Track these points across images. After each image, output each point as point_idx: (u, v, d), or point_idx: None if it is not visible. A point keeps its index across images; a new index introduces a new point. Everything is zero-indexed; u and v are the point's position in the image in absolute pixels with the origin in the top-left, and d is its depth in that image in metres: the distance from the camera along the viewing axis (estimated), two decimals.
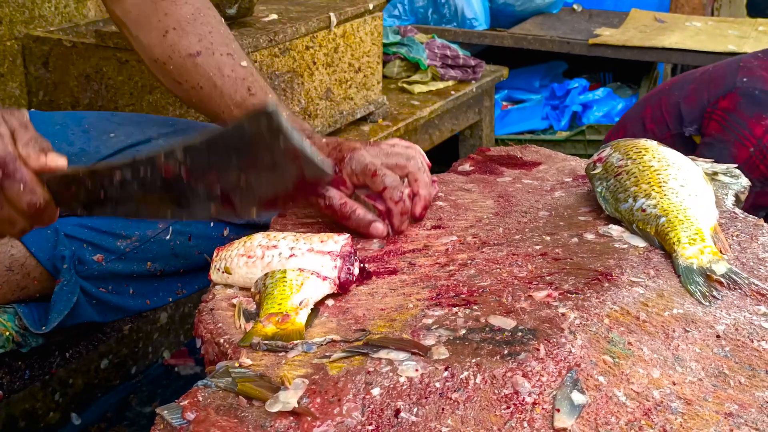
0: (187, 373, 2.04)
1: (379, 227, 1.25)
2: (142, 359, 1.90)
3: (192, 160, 0.98)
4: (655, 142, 1.34)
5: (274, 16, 2.29)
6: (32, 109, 2.29)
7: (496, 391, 0.88)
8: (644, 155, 1.28)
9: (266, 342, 0.97)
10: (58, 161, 1.03)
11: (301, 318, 1.01)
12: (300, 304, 1.03)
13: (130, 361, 1.85)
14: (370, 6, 2.53)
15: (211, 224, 1.49)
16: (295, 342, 0.97)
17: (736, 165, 1.44)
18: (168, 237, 1.46)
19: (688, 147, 2.41)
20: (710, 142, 2.28)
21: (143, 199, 1.03)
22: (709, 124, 2.33)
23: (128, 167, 1.00)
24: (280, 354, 0.96)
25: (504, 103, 4.17)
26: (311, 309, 1.04)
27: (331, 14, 2.35)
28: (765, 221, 1.26)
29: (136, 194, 1.02)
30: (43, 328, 1.41)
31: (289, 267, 1.08)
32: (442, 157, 3.46)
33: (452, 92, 3.09)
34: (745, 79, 2.31)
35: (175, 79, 1.46)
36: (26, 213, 1.02)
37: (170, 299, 1.53)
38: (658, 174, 1.24)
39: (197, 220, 1.04)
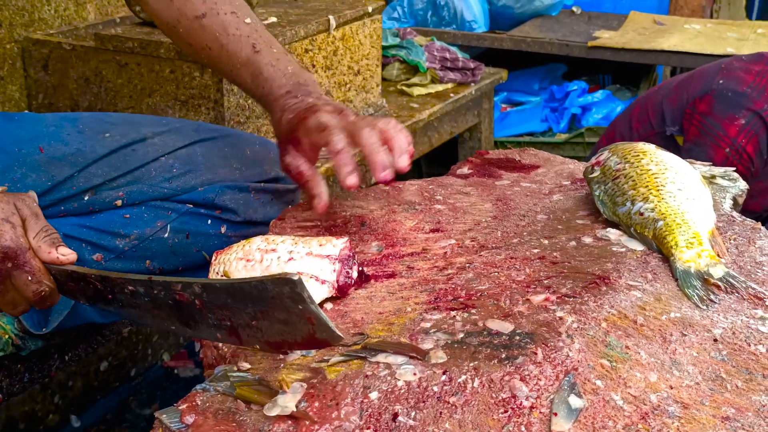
0: (187, 375, 2.04)
1: (319, 204, 1.28)
2: (142, 361, 1.90)
3: (208, 296, 1.01)
4: (653, 146, 1.34)
5: (273, 19, 2.30)
6: (27, 111, 2.30)
7: (493, 395, 0.88)
8: (642, 159, 1.29)
9: None
10: (68, 256, 1.07)
11: None
12: None
13: (130, 364, 1.85)
14: (369, 9, 2.54)
15: (209, 221, 1.50)
16: None
17: (734, 168, 1.44)
18: (166, 235, 1.46)
19: (671, 147, 2.42)
20: (690, 147, 2.30)
21: (151, 312, 1.06)
22: (689, 129, 2.35)
23: (142, 284, 1.03)
24: (278, 358, 0.97)
25: (503, 106, 4.17)
26: None
27: (330, 17, 2.35)
28: (763, 225, 1.27)
29: (145, 305, 1.05)
30: (44, 329, 1.41)
31: (287, 270, 1.08)
32: (441, 160, 3.46)
33: (451, 95, 3.09)
34: (721, 81, 2.33)
35: (186, 41, 1.48)
36: (30, 300, 1.07)
37: None
38: (655, 177, 1.25)
39: (201, 338, 1.09)
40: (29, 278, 1.05)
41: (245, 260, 1.12)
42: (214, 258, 1.17)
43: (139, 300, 1.05)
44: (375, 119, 1.27)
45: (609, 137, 2.66)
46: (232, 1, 1.47)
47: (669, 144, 2.42)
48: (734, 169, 1.44)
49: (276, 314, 0.97)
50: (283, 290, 0.95)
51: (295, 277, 0.94)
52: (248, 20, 1.46)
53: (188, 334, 1.13)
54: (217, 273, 1.14)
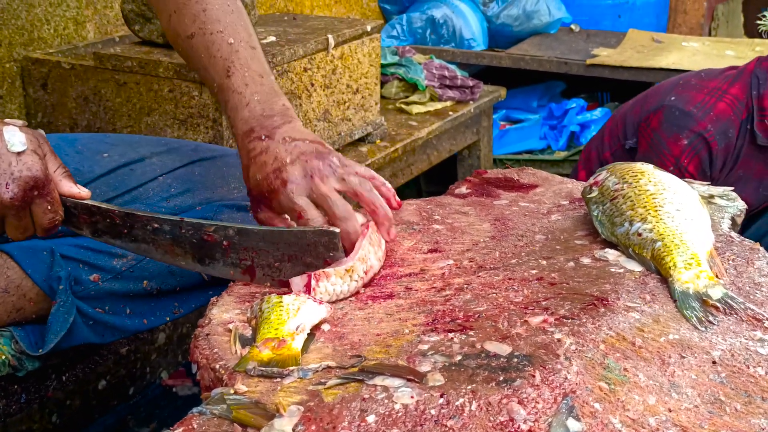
0: (185, 394, 2.03)
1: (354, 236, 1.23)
2: (140, 380, 1.89)
3: (241, 239, 1.13)
4: (651, 166, 1.34)
5: (272, 39, 2.30)
6: None
7: (491, 418, 0.88)
8: (640, 179, 1.29)
9: (262, 368, 0.97)
10: (82, 193, 1.17)
11: (298, 343, 1.01)
12: (296, 329, 1.03)
13: (128, 382, 1.85)
14: (368, 28, 2.54)
15: None
16: (291, 368, 0.97)
17: (732, 188, 1.44)
18: None
19: (631, 160, 2.42)
20: (641, 161, 2.31)
21: (164, 247, 1.15)
22: (641, 142, 2.37)
23: (173, 222, 1.14)
24: (275, 380, 0.96)
25: (502, 123, 4.18)
26: (308, 334, 1.04)
27: (329, 36, 2.36)
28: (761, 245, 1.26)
29: (161, 242, 1.15)
30: (40, 350, 1.41)
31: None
32: (440, 178, 3.47)
33: (450, 112, 3.10)
34: (673, 98, 2.33)
35: (185, 58, 1.47)
36: (44, 227, 1.15)
37: (167, 318, 1.53)
38: (654, 198, 1.25)
39: (207, 274, 1.15)
40: (48, 207, 1.13)
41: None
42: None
43: (159, 237, 1.14)
44: (351, 172, 1.22)
45: (586, 151, 2.67)
46: (220, 18, 1.40)
47: (630, 158, 2.42)
48: (732, 188, 1.44)
49: (304, 258, 1.12)
50: (321, 240, 1.10)
51: (336, 230, 1.12)
52: (231, 40, 1.37)
53: (198, 269, 1.19)
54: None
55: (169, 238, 1.13)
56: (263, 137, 1.25)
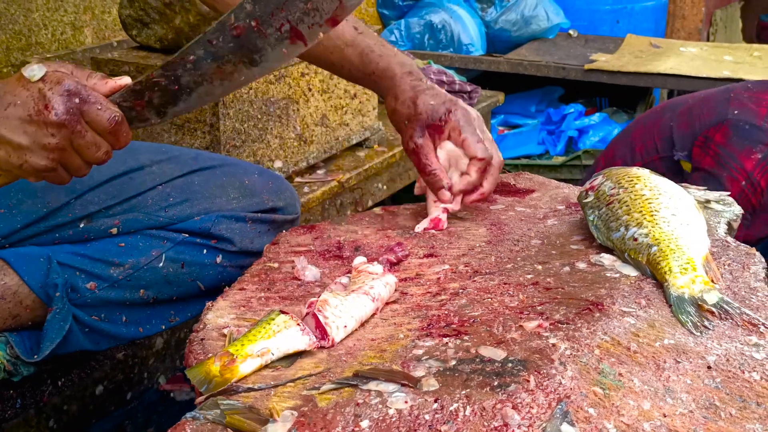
0: (183, 399, 2.03)
1: (446, 195, 1.39)
2: (138, 385, 1.89)
3: (260, 5, 1.09)
4: (647, 171, 1.34)
5: None
6: None
7: (485, 423, 0.87)
8: (636, 184, 1.29)
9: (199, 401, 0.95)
10: (123, 80, 1.16)
11: (246, 367, 0.98)
12: (257, 352, 1.00)
13: (126, 387, 1.84)
14: None
15: (205, 251, 1.49)
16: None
17: (728, 193, 1.44)
18: (161, 264, 1.46)
19: (676, 171, 2.41)
20: (705, 177, 2.29)
21: (217, 73, 1.14)
22: (704, 158, 2.34)
23: (199, 43, 1.11)
24: (270, 383, 0.96)
25: (500, 128, 4.18)
26: (285, 356, 1.02)
27: None
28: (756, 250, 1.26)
29: (210, 69, 1.14)
30: (35, 356, 1.40)
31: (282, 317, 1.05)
32: None
33: None
34: (736, 111, 2.32)
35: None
36: (108, 130, 1.14)
37: (163, 327, 1.53)
38: (649, 203, 1.25)
39: (268, 72, 1.21)
40: (99, 107, 1.13)
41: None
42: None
43: (203, 66, 1.13)
44: (494, 156, 1.40)
45: (608, 157, 2.65)
46: None
47: (673, 168, 2.41)
48: (728, 193, 1.44)
49: None
50: None
51: None
52: None
53: (257, 73, 1.17)
54: None
55: (210, 61, 1.12)
56: (422, 78, 1.44)
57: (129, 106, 1.16)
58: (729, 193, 1.44)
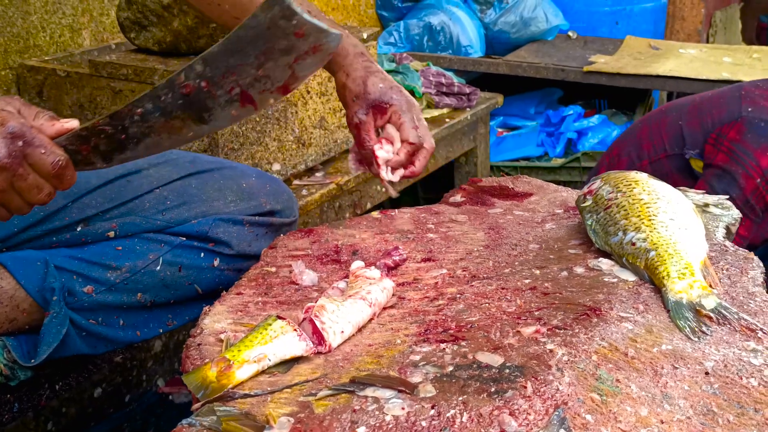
0: (182, 402, 2.02)
1: (381, 173, 1.45)
2: (136, 387, 1.88)
3: (211, 68, 1.07)
4: (645, 175, 1.34)
5: None
6: None
7: (482, 430, 0.87)
8: (634, 188, 1.29)
9: (196, 408, 0.95)
10: (71, 122, 1.14)
11: (243, 373, 0.98)
12: (254, 357, 1.00)
13: (124, 390, 1.84)
14: (364, 35, 2.54)
15: (202, 254, 1.49)
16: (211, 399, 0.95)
17: (727, 197, 1.44)
18: (158, 268, 1.45)
19: (684, 170, 2.40)
20: (719, 174, 2.28)
21: (165, 127, 1.12)
22: (717, 155, 2.33)
23: (148, 97, 1.09)
24: (266, 389, 0.96)
25: (499, 130, 4.17)
26: (282, 362, 1.02)
27: None
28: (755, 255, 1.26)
29: (158, 123, 1.11)
30: (33, 360, 1.40)
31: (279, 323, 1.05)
32: (437, 185, 3.46)
33: (447, 120, 3.09)
34: (750, 109, 2.31)
35: (233, 16, 1.51)
36: (51, 174, 1.11)
37: (160, 330, 1.52)
38: (647, 207, 1.24)
39: (219, 130, 1.26)
40: (43, 152, 1.10)
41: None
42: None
43: (151, 120, 1.11)
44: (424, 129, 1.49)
45: (612, 156, 2.64)
46: None
47: (682, 167, 2.41)
48: (727, 197, 1.43)
49: (276, 45, 1.05)
50: (274, 12, 1.02)
51: None
52: None
53: (206, 130, 1.15)
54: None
55: (159, 116, 1.10)
56: (372, 62, 1.51)
57: (75, 150, 1.14)
58: (740, 189, 1.42)
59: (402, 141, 1.46)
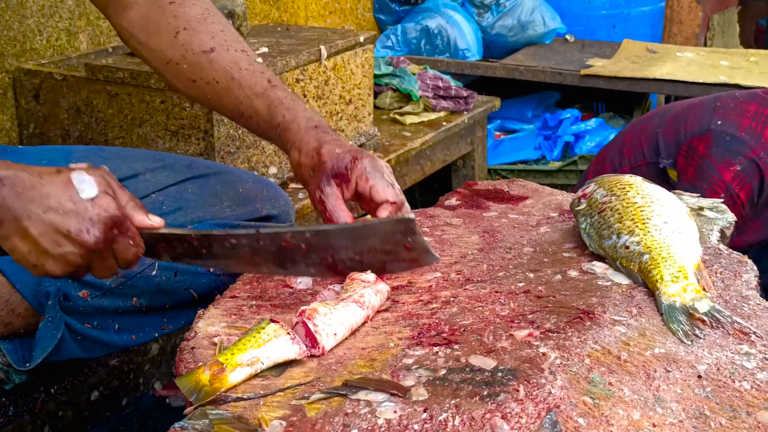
0: (178, 405, 2.02)
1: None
2: (133, 391, 1.88)
3: (319, 241, 1.15)
4: (639, 178, 1.34)
5: (265, 50, 2.30)
6: (21, 145, 2.30)
7: None
8: (628, 191, 1.29)
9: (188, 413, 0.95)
10: (157, 221, 1.16)
11: (236, 377, 0.98)
12: (247, 361, 1.00)
13: (121, 393, 1.84)
14: (361, 39, 2.54)
15: None
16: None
17: (721, 200, 1.44)
18: (154, 273, 1.45)
19: (662, 178, 2.40)
20: (687, 188, 2.28)
21: (246, 260, 1.17)
22: (687, 168, 2.33)
23: (248, 237, 1.15)
24: (259, 393, 0.96)
25: (497, 133, 4.17)
26: (276, 365, 1.02)
27: (322, 47, 2.36)
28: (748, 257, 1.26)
29: (242, 255, 1.16)
30: (27, 364, 1.40)
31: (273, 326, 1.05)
32: (434, 188, 3.46)
33: (444, 123, 3.10)
34: (719, 122, 2.30)
35: (189, 78, 1.45)
36: (128, 262, 1.15)
37: (156, 335, 1.52)
38: (641, 211, 1.24)
39: (290, 276, 1.26)
40: (131, 243, 1.13)
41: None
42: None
43: (239, 252, 1.16)
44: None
45: (599, 161, 2.65)
46: (240, 41, 1.47)
47: (659, 175, 2.41)
48: (722, 200, 1.44)
49: (384, 247, 1.15)
50: (400, 228, 1.14)
51: (413, 216, 1.16)
52: (259, 60, 1.47)
53: (279, 273, 1.22)
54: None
55: (248, 251, 1.15)
56: (329, 132, 1.37)
57: (152, 244, 1.16)
58: (722, 200, 1.44)
59: (380, 203, 1.29)
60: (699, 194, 1.94)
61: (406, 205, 1.32)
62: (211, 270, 1.47)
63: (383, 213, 1.29)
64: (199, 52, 1.43)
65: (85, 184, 1.11)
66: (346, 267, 1.18)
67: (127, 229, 1.12)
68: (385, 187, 1.30)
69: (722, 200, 1.38)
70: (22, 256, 1.10)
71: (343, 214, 1.29)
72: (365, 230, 1.16)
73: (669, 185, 2.28)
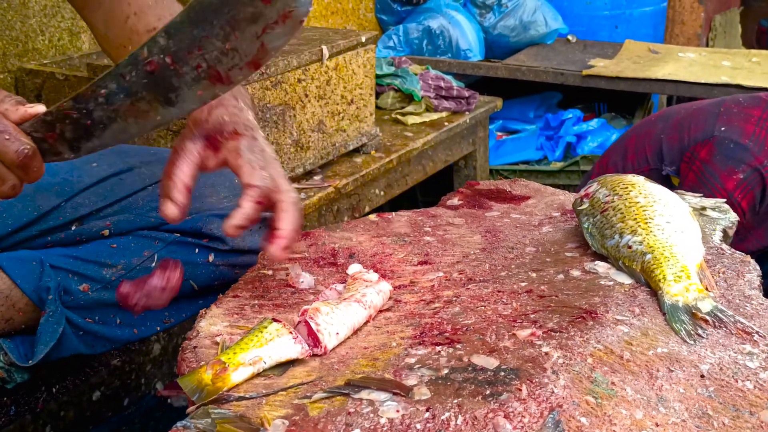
0: (180, 405, 2.02)
1: (171, 209, 1.22)
2: (135, 391, 1.88)
3: (175, 41, 1.01)
4: (642, 178, 1.34)
5: None
6: None
7: None
8: (631, 191, 1.29)
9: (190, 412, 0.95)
10: (36, 108, 1.05)
11: (238, 376, 0.98)
12: (249, 360, 1.00)
13: (123, 393, 1.84)
14: (363, 39, 2.54)
15: (196, 250, 1.49)
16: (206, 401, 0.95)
17: (724, 200, 1.44)
18: (154, 264, 1.45)
19: (665, 184, 2.39)
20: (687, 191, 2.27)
21: (131, 110, 1.05)
22: (688, 174, 2.32)
23: (111, 76, 1.03)
24: (261, 384, 0.96)
25: (499, 134, 4.17)
26: (278, 365, 1.02)
27: (324, 47, 2.36)
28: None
29: (123, 106, 1.05)
30: (30, 361, 1.40)
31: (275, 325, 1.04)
32: (436, 188, 3.46)
33: (446, 123, 3.10)
34: (723, 128, 2.28)
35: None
36: (16, 163, 1.03)
37: (158, 328, 1.52)
38: (644, 210, 1.24)
39: (187, 113, 1.10)
40: (7, 137, 1.02)
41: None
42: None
43: (116, 102, 1.04)
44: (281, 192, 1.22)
45: (602, 164, 2.64)
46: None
47: (663, 182, 2.40)
48: (725, 200, 1.43)
49: (242, 14, 0.98)
50: None
51: None
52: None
53: (174, 114, 1.08)
54: None
55: (123, 96, 1.04)
56: (243, 104, 1.27)
57: (40, 138, 1.06)
58: (725, 200, 1.43)
59: (244, 186, 1.20)
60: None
61: (290, 193, 1.21)
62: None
63: (244, 201, 1.19)
64: (143, 32, 1.38)
65: None
66: (227, 69, 1.03)
67: None
68: (255, 169, 1.19)
69: (725, 201, 1.37)
70: None
71: (183, 174, 1.21)
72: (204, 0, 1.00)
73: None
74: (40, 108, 1.06)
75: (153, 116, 1.07)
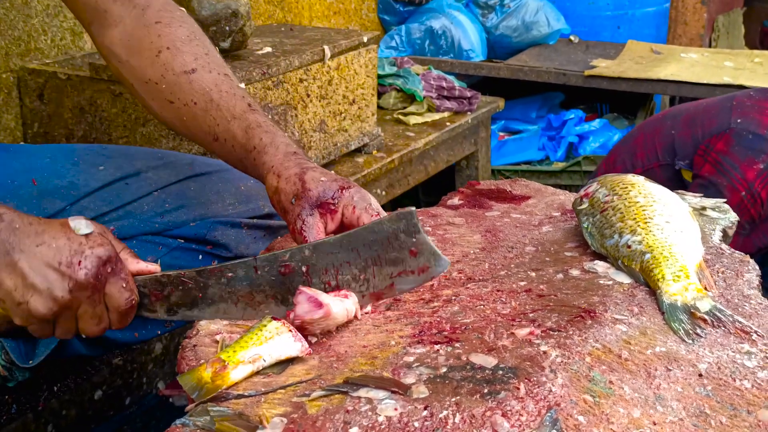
0: (182, 404, 2.02)
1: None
2: (137, 390, 1.89)
3: (319, 256, 1.10)
4: (641, 178, 1.34)
5: (268, 50, 2.31)
6: (23, 142, 2.30)
7: (474, 431, 0.87)
8: (630, 191, 1.29)
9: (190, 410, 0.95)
10: (151, 266, 1.14)
11: (237, 374, 0.99)
12: (249, 358, 1.00)
13: (124, 392, 1.84)
14: (365, 39, 2.55)
15: (200, 257, 1.49)
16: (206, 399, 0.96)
17: (724, 200, 1.44)
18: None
19: (676, 180, 2.40)
20: (704, 185, 2.27)
21: (245, 297, 1.12)
22: (703, 166, 2.31)
23: (245, 265, 1.10)
24: (260, 390, 0.96)
25: (501, 134, 4.18)
26: (277, 363, 1.02)
27: (325, 47, 2.36)
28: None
29: (241, 292, 1.12)
30: (30, 362, 1.40)
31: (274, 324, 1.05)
32: (438, 188, 3.47)
33: (448, 123, 3.10)
34: (739, 120, 2.29)
35: (167, 98, 1.40)
36: (120, 310, 1.11)
37: (159, 332, 1.52)
38: (643, 210, 1.25)
39: (284, 313, 1.13)
40: (123, 285, 1.10)
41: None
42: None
43: (237, 287, 1.11)
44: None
45: (609, 163, 2.64)
46: (223, 65, 1.43)
47: (673, 177, 2.40)
48: (724, 200, 1.44)
49: (388, 255, 1.10)
50: (400, 225, 1.09)
51: (413, 209, 1.08)
52: (242, 85, 1.43)
53: (276, 312, 1.13)
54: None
55: (246, 284, 1.10)
56: (311, 160, 1.31)
57: (145, 293, 1.13)
58: (725, 200, 1.43)
59: None
60: (716, 190, 1.92)
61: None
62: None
63: None
64: (180, 72, 1.38)
65: (81, 224, 1.10)
66: (354, 292, 1.12)
67: (121, 269, 1.10)
68: (373, 218, 1.22)
69: (744, 197, 1.36)
70: (7, 294, 1.08)
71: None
72: (364, 233, 1.09)
73: (683, 186, 2.28)
74: (155, 267, 1.14)
75: (262, 308, 1.13)
